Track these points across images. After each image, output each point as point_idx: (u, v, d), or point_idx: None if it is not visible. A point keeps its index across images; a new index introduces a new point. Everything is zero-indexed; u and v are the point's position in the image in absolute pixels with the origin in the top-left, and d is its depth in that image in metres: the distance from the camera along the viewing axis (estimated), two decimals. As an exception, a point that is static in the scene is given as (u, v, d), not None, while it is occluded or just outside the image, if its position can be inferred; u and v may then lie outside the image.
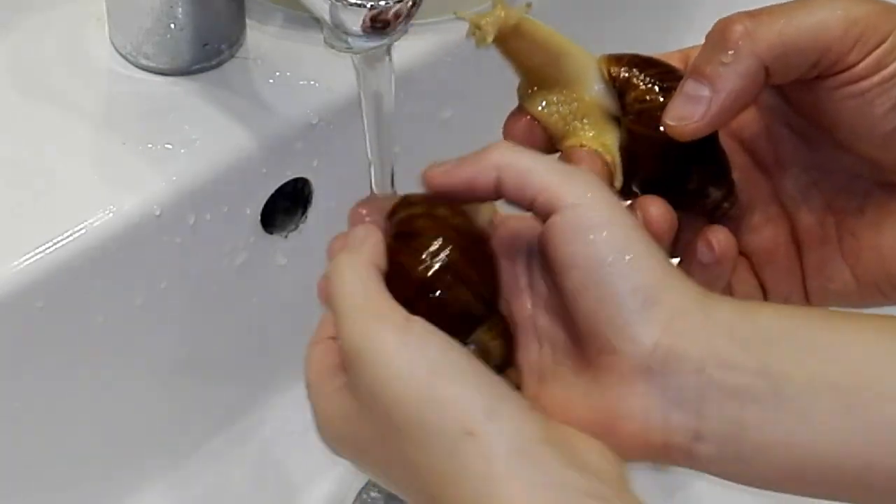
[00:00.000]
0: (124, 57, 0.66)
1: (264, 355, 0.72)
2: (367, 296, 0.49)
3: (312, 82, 0.67)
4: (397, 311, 0.48)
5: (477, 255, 0.51)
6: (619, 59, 0.57)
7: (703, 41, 0.56)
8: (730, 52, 0.53)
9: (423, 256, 0.50)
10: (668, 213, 0.55)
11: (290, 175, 0.67)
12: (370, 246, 0.51)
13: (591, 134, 0.57)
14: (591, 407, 0.49)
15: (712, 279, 0.56)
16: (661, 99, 0.55)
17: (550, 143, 0.58)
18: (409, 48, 0.69)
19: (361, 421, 0.48)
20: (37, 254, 0.59)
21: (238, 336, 0.71)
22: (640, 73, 0.56)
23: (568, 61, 0.57)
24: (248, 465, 0.72)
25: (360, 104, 0.55)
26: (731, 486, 0.50)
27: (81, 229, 0.60)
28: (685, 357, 0.48)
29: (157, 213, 0.62)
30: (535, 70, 0.57)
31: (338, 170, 0.68)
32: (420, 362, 0.46)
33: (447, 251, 0.50)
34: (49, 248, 0.59)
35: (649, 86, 0.56)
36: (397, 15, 0.51)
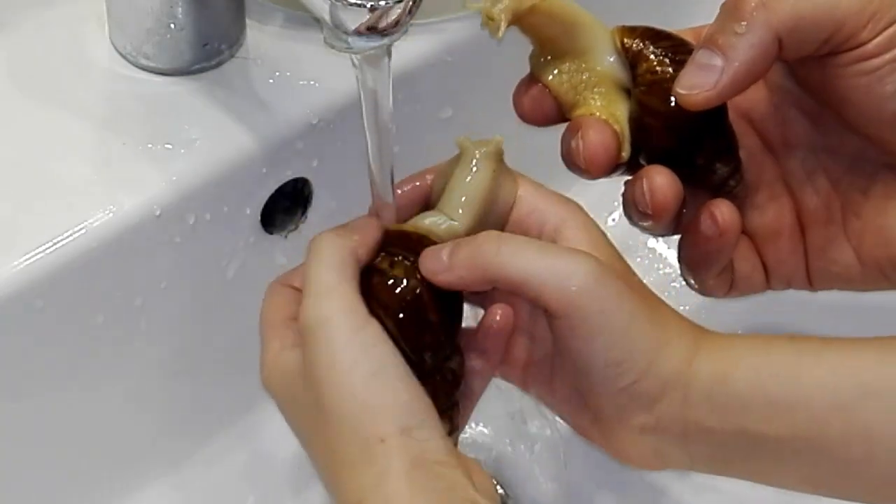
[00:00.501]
0: (124, 57, 0.66)
1: (264, 355, 0.72)
2: (339, 282, 0.52)
3: (312, 82, 0.67)
4: (359, 309, 0.52)
5: (444, 306, 0.54)
6: (632, 31, 0.57)
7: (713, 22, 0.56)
8: (743, 23, 0.53)
9: (396, 295, 0.53)
10: (675, 183, 0.56)
11: (290, 175, 0.67)
12: (363, 237, 0.54)
13: (601, 104, 0.57)
14: (603, 438, 0.56)
15: (714, 252, 0.58)
16: (672, 71, 0.55)
17: (560, 111, 0.58)
18: (409, 48, 0.69)
19: (301, 384, 0.52)
20: (37, 254, 0.59)
21: (238, 336, 0.70)
22: (653, 45, 0.56)
23: (582, 32, 0.56)
24: (247, 465, 0.72)
25: (360, 104, 0.55)
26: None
27: (81, 229, 0.60)
28: (669, 430, 0.54)
29: (157, 213, 0.62)
30: (549, 40, 0.57)
31: (338, 170, 0.68)
32: (363, 364, 0.51)
33: (418, 297, 0.53)
34: (49, 248, 0.59)
35: (661, 58, 0.56)
36: (397, 15, 0.51)
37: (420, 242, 0.55)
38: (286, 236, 0.70)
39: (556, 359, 0.57)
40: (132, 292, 0.64)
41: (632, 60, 0.56)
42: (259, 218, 0.67)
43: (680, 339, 0.54)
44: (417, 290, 0.53)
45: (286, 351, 0.53)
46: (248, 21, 0.68)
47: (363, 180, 0.59)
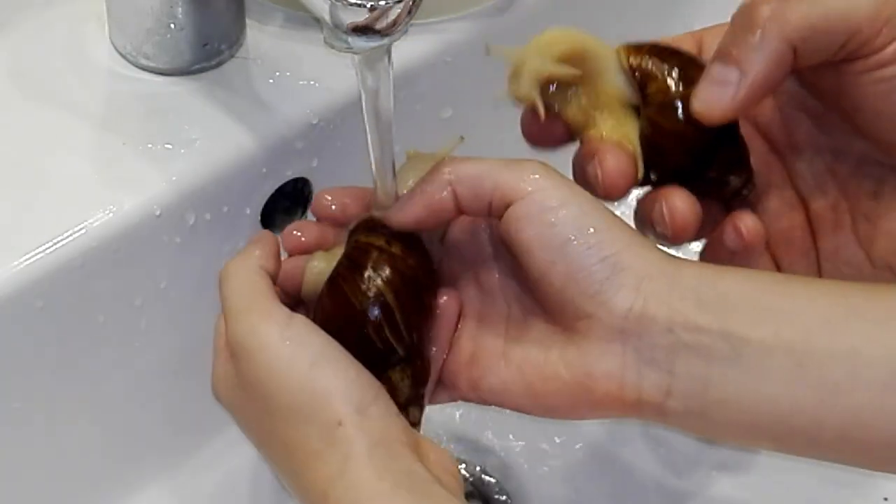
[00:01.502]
0: (124, 57, 0.66)
1: (264, 355, 0.72)
2: (253, 297, 0.53)
3: (312, 82, 0.67)
4: (281, 310, 0.52)
5: (413, 302, 0.54)
6: (638, 49, 0.56)
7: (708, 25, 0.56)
8: (757, 34, 0.52)
9: (364, 290, 0.54)
10: (693, 205, 0.56)
11: (290, 175, 0.67)
12: (261, 249, 0.55)
13: (610, 124, 0.57)
14: (568, 366, 0.52)
15: (740, 265, 0.57)
16: (683, 90, 0.55)
17: (570, 133, 0.58)
18: (409, 48, 0.69)
19: (246, 399, 0.53)
20: (37, 254, 0.59)
21: (238, 336, 0.71)
22: (661, 63, 0.56)
23: (588, 58, 0.56)
24: (247, 465, 0.72)
25: (360, 104, 0.55)
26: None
27: (81, 229, 0.60)
28: (656, 319, 0.51)
29: (157, 213, 0.62)
30: (553, 78, 0.57)
31: (338, 170, 0.68)
32: (302, 356, 0.51)
33: (386, 294, 0.54)
34: (49, 248, 0.59)
35: (670, 77, 0.55)
36: (397, 15, 0.51)
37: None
38: (286, 236, 0.70)
39: (514, 307, 0.55)
40: (132, 292, 0.64)
41: (640, 80, 0.56)
42: (259, 218, 0.67)
43: (652, 244, 0.53)
44: (382, 302, 0.54)
45: (226, 365, 0.54)
46: (248, 21, 0.68)
47: (363, 180, 0.59)
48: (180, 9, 0.63)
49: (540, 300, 0.54)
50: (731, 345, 0.50)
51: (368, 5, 0.50)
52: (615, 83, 0.56)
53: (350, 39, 0.52)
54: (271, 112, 0.65)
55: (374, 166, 0.56)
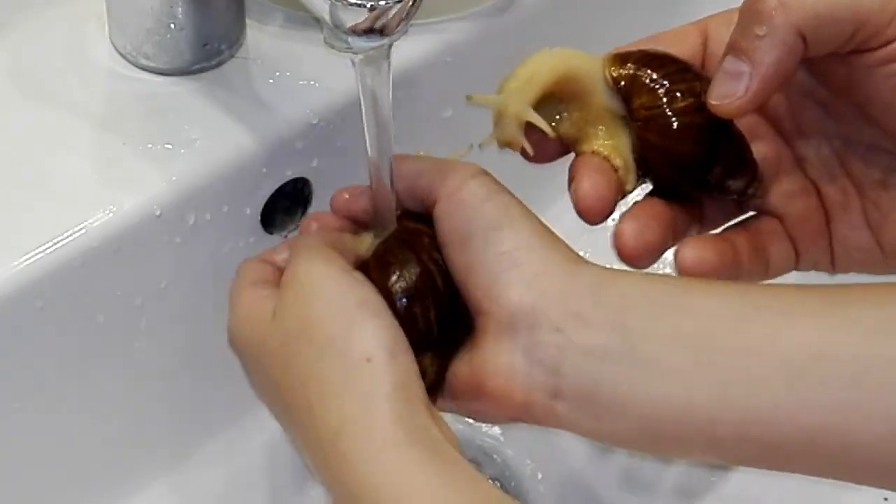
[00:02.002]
0: (124, 57, 0.66)
1: (264, 355, 0.72)
2: (324, 248, 0.54)
3: (312, 82, 0.67)
4: (346, 263, 0.53)
5: (457, 293, 0.54)
6: (623, 60, 0.56)
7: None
8: (764, 26, 0.52)
9: (416, 269, 0.54)
10: (650, 229, 0.56)
11: (290, 175, 0.67)
12: (331, 238, 0.56)
13: (603, 139, 0.57)
14: (471, 367, 0.53)
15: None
16: (669, 104, 0.55)
17: (565, 147, 0.58)
18: (409, 48, 0.69)
19: (272, 328, 0.53)
20: (37, 254, 0.59)
21: (238, 336, 0.71)
22: (645, 74, 0.55)
23: (574, 79, 0.56)
24: (248, 465, 0.72)
25: (359, 104, 0.55)
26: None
27: (81, 229, 0.60)
28: (546, 315, 0.51)
29: (157, 213, 0.62)
30: (545, 95, 0.57)
31: (338, 170, 0.68)
32: (350, 296, 0.51)
33: (437, 278, 0.54)
34: (49, 248, 0.59)
35: (654, 90, 0.55)
36: (397, 15, 0.51)
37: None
38: (286, 236, 0.70)
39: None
40: (132, 292, 0.64)
41: (625, 94, 0.56)
42: (259, 218, 0.67)
43: (564, 247, 0.53)
44: (420, 290, 0.54)
45: (258, 301, 0.54)
46: (248, 21, 0.68)
47: (363, 180, 0.59)
48: (180, 9, 0.63)
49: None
50: (626, 341, 0.49)
51: (368, 5, 0.50)
52: (604, 97, 0.56)
53: (350, 39, 0.52)
54: (271, 112, 0.65)
55: (370, 167, 0.56)
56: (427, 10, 0.62)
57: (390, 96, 0.54)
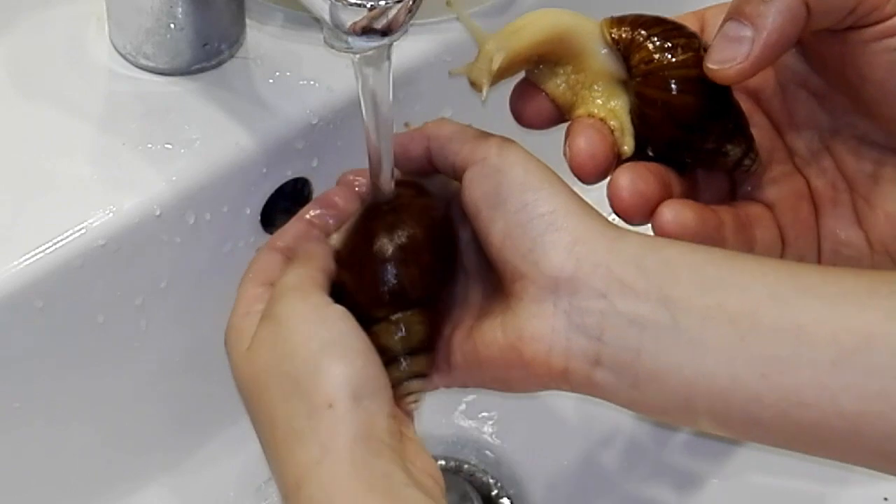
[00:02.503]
0: (124, 57, 0.66)
1: (264, 355, 0.72)
2: (304, 281, 0.53)
3: (312, 82, 0.67)
4: (323, 297, 0.53)
5: (443, 251, 0.55)
6: (620, 21, 0.56)
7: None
8: None
9: (399, 225, 0.54)
10: (646, 182, 0.55)
11: (290, 175, 0.67)
12: (317, 261, 0.55)
13: (599, 101, 0.56)
14: (505, 333, 0.52)
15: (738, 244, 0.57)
16: (669, 57, 0.54)
17: (560, 113, 0.57)
18: (409, 48, 0.69)
19: (247, 357, 0.53)
20: (37, 254, 0.59)
21: (238, 336, 0.71)
22: (644, 32, 0.55)
23: (568, 39, 0.56)
24: (248, 465, 0.72)
25: (359, 104, 0.55)
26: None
27: (81, 229, 0.60)
28: (589, 282, 0.50)
29: (157, 213, 0.62)
30: (539, 56, 0.56)
31: (338, 170, 0.68)
32: (320, 334, 0.51)
33: (409, 230, 0.54)
34: (49, 248, 0.59)
35: (654, 45, 0.55)
36: (397, 15, 0.51)
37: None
38: (286, 236, 0.70)
39: (486, 285, 0.55)
40: (132, 292, 0.64)
41: (624, 52, 0.55)
42: (259, 218, 0.67)
43: (600, 215, 0.52)
44: (406, 239, 0.54)
45: (249, 316, 0.54)
46: (248, 21, 0.68)
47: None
48: (180, 9, 0.63)
49: (494, 267, 0.54)
50: (670, 312, 0.49)
51: (368, 5, 0.50)
52: (601, 59, 0.56)
53: (350, 39, 0.52)
54: (271, 112, 0.65)
55: (370, 166, 0.56)
56: (427, 10, 0.61)
57: (390, 96, 0.54)
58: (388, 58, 0.53)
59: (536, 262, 0.51)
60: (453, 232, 0.57)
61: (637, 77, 0.55)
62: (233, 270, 0.68)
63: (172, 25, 0.64)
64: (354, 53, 0.53)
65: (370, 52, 0.53)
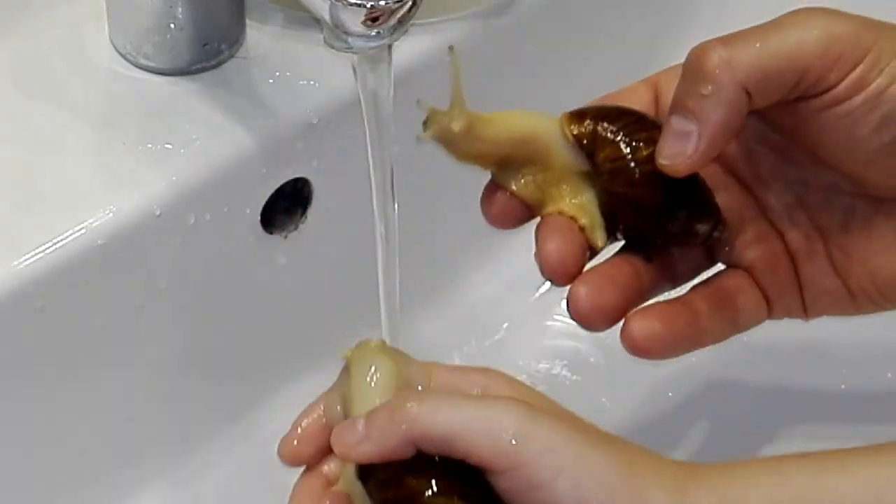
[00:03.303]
0: (124, 57, 0.66)
1: (264, 355, 0.72)
2: None
3: (312, 82, 0.67)
4: None
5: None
6: (580, 117, 0.56)
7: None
8: (709, 85, 0.52)
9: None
10: (608, 290, 0.55)
11: (290, 175, 0.67)
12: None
13: (567, 198, 0.57)
14: None
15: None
16: (632, 154, 0.55)
17: (530, 211, 0.57)
18: (409, 48, 0.69)
19: None
20: (37, 254, 0.59)
21: (238, 336, 0.71)
22: (605, 128, 0.55)
23: (531, 141, 0.56)
24: (248, 465, 0.72)
25: (359, 104, 0.55)
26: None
27: (81, 229, 0.60)
28: None
29: (157, 213, 0.62)
30: (502, 158, 0.56)
31: (338, 170, 0.68)
32: None
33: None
34: (49, 248, 0.59)
35: (617, 141, 0.55)
36: (397, 15, 0.51)
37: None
38: (286, 236, 0.70)
39: None
40: (132, 292, 0.64)
41: (587, 148, 0.56)
42: (259, 218, 0.67)
43: (658, 471, 0.48)
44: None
45: None
46: (248, 21, 0.68)
47: (363, 180, 0.59)
48: (180, 9, 0.63)
49: None
50: None
51: (368, 5, 0.50)
52: (565, 156, 0.56)
53: (350, 39, 0.52)
54: (271, 112, 0.65)
55: (371, 168, 0.56)
56: (427, 10, 0.62)
57: (391, 96, 0.54)
58: (389, 58, 0.53)
59: None
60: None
61: (603, 175, 0.56)
62: (233, 270, 0.68)
63: (172, 25, 0.64)
64: (354, 53, 0.53)
65: (370, 52, 0.53)
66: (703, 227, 0.57)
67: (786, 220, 0.59)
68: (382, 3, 0.50)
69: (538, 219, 0.57)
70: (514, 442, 0.46)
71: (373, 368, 0.52)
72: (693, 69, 0.53)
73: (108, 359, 0.65)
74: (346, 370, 0.53)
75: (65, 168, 0.61)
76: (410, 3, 0.51)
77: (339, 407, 0.53)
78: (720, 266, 0.59)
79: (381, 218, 0.60)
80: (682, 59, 0.56)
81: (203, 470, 0.72)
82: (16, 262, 0.58)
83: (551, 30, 0.77)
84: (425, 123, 0.55)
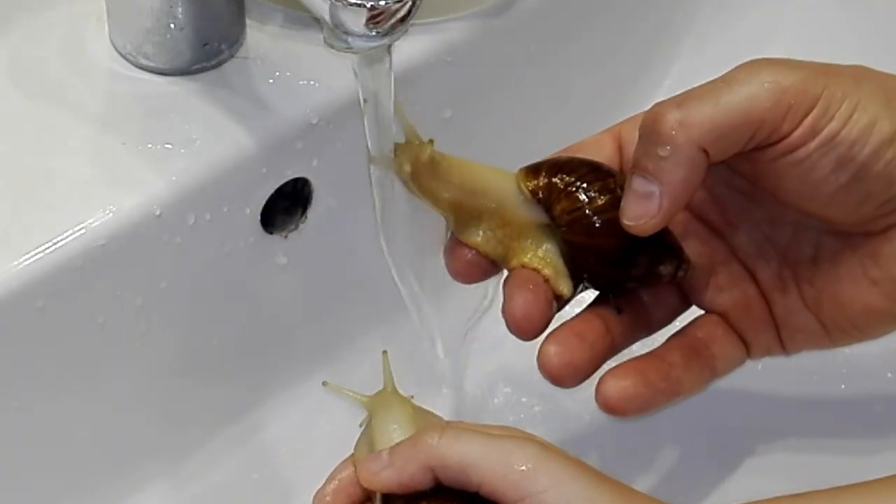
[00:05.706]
0: (124, 57, 0.66)
1: (264, 355, 0.72)
2: None
3: (312, 82, 0.67)
4: None
5: None
6: (535, 172, 0.57)
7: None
8: (667, 147, 0.53)
9: None
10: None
11: (290, 175, 0.67)
12: None
13: (530, 251, 0.58)
14: None
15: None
16: (589, 204, 0.56)
17: (495, 264, 0.58)
18: (409, 48, 0.69)
19: None
20: (37, 254, 0.59)
21: (238, 336, 0.71)
22: (561, 180, 0.56)
23: (486, 192, 0.57)
24: (248, 465, 0.72)
25: (360, 104, 0.55)
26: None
27: (81, 229, 0.60)
28: None
29: (157, 213, 0.62)
30: (459, 207, 0.57)
31: (338, 170, 0.68)
32: None
33: None
34: (49, 248, 0.59)
35: (573, 192, 0.56)
36: (397, 15, 0.51)
37: None
38: (286, 236, 0.70)
39: None
40: (132, 292, 0.64)
41: (544, 203, 0.57)
42: (259, 218, 0.67)
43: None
44: None
45: None
46: (248, 21, 0.68)
47: (363, 180, 0.59)
48: (180, 9, 0.63)
49: None
50: None
51: (368, 5, 0.50)
52: (523, 211, 0.57)
53: (350, 39, 0.52)
54: (271, 112, 0.65)
55: (372, 167, 0.56)
56: (427, 10, 0.62)
57: (391, 96, 0.54)
58: (389, 58, 0.54)
59: None
60: None
61: (562, 226, 0.57)
62: (233, 270, 0.68)
63: (172, 25, 0.64)
64: (354, 53, 0.53)
65: (370, 52, 0.53)
66: (666, 269, 0.57)
67: (757, 259, 0.60)
68: (383, 3, 0.50)
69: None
70: (524, 474, 0.49)
71: (392, 425, 0.55)
72: (650, 131, 0.54)
73: (108, 359, 0.65)
74: (368, 420, 0.56)
75: (64, 168, 0.61)
76: (410, 3, 0.51)
77: (367, 453, 0.56)
78: (697, 309, 0.60)
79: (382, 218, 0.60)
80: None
81: (203, 470, 0.72)
82: (16, 262, 0.58)
83: (551, 30, 0.77)
84: (396, 157, 0.56)
